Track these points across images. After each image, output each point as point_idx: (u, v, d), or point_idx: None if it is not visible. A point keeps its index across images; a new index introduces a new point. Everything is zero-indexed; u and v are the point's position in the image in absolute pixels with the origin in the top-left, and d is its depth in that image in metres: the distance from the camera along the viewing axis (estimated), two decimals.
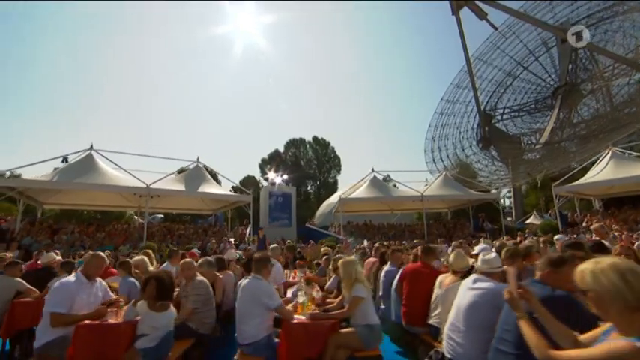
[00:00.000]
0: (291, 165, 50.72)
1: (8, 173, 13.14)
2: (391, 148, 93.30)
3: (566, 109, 30.20)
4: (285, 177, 24.41)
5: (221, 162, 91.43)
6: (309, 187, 51.53)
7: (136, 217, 29.98)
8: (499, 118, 34.02)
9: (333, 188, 46.79)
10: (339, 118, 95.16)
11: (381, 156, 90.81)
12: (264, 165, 52.70)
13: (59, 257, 5.80)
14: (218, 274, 4.40)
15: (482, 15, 21.14)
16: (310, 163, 50.65)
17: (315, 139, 51.58)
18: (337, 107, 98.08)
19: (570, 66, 30.84)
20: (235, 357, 3.05)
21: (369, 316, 3.14)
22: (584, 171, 20.03)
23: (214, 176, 36.17)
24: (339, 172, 49.95)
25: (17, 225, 13.90)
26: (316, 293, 3.90)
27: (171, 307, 3.10)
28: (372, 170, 21.94)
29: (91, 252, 3.93)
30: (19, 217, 14.41)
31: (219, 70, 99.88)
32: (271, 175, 24.41)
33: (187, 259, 4.06)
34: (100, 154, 14.76)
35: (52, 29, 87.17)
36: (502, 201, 40.17)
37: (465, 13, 21.14)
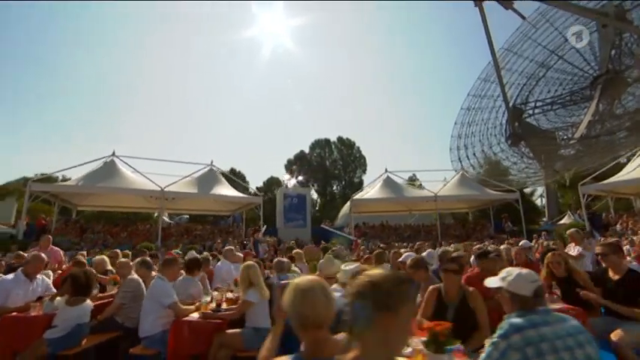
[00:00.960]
0: (317, 165, 51.21)
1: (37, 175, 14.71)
2: (416, 148, 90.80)
3: (606, 100, 27.67)
4: (301, 178, 24.70)
5: (248, 163, 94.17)
6: (334, 187, 51.68)
7: (165, 218, 32.07)
8: (530, 112, 31.96)
9: (358, 188, 46.46)
10: (365, 118, 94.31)
11: (406, 155, 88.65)
12: (289, 166, 53.54)
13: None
14: (157, 274, 4.76)
15: (507, 4, 20.18)
16: (335, 163, 50.80)
17: (340, 139, 51.64)
18: (363, 108, 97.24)
19: (613, 52, 28.22)
20: (132, 349, 3.38)
21: (258, 319, 3.32)
22: (621, 167, 18.37)
23: (240, 176, 37.54)
24: (364, 171, 49.62)
25: (53, 225, 15.60)
26: (231, 294, 4.11)
27: (87, 301, 3.49)
28: (386, 170, 21.70)
29: (32, 253, 4.48)
30: (55, 218, 16.12)
31: (247, 72, 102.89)
32: (286, 176, 24.83)
33: (123, 260, 4.46)
34: (121, 159, 16.09)
35: (73, 29, 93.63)
36: (539, 200, 37.77)
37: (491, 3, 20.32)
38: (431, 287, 2.76)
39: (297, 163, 53.25)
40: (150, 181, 15.62)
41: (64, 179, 23.43)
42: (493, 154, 32.10)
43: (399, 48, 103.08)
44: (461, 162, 32.81)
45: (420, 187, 26.06)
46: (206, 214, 28.39)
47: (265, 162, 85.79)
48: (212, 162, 18.71)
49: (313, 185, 52.16)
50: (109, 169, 15.55)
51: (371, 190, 21.69)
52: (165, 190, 15.47)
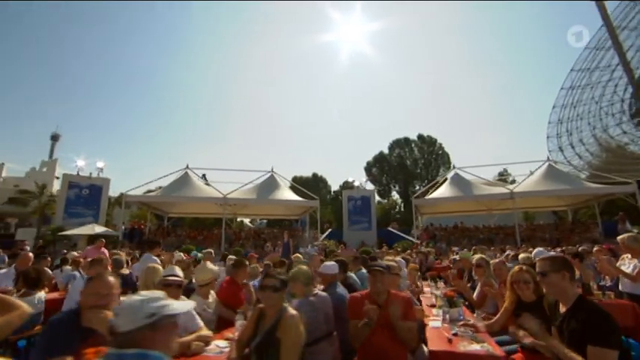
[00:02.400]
0: (397, 166, 49.26)
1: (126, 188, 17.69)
2: (506, 139, 79.42)
3: None
4: (365, 179, 24.07)
5: (330, 167, 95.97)
6: (417, 187, 48.83)
7: (247, 222, 35.09)
8: None
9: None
10: (446, 119, 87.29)
11: (495, 149, 78.25)
12: (369, 168, 52.82)
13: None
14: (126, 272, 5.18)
15: None
16: (417, 163, 48.05)
17: (420, 136, 48.70)
18: (444, 108, 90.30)
19: None
20: None
21: None
22: None
23: (322, 181, 38.37)
24: (448, 169, 45.63)
25: (147, 229, 18.66)
26: None
27: (38, 293, 4.02)
28: (453, 167, 19.54)
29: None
30: (149, 224, 19.25)
31: (325, 77, 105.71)
32: (356, 178, 24.47)
33: (97, 258, 4.98)
34: (193, 171, 18.28)
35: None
36: None
37: None
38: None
39: (376, 165, 52.24)
40: (215, 190, 17.34)
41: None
42: (609, 138, 25.86)
43: (478, 46, 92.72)
44: (562, 151, 27.40)
45: (513, 182, 22.65)
46: (282, 219, 30.03)
47: (346, 166, 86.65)
48: (272, 169, 19.71)
49: (394, 187, 50.23)
50: (183, 180, 17.82)
51: (438, 189, 19.79)
52: (228, 197, 16.95)
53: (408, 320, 2.40)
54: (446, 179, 20.13)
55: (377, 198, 51.50)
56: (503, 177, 32.76)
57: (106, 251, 8.22)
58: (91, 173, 17.30)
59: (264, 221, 32.22)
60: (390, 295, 2.52)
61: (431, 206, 20.97)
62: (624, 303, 3.93)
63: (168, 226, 20.45)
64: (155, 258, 4.43)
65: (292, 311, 2.06)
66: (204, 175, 25.09)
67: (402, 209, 46.30)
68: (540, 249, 4.90)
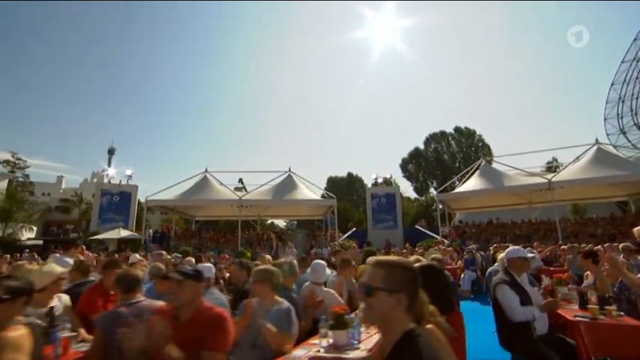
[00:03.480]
0: (433, 161, 46.76)
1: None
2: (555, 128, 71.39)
3: None
4: (389, 176, 22.89)
5: (364, 166, 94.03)
6: (456, 183, 45.94)
7: (279, 224, 35.35)
8: None
9: None
10: (482, 113, 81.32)
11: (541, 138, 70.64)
12: (404, 165, 50.87)
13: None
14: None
15: None
16: (455, 157, 45.18)
17: (457, 129, 45.78)
18: (482, 101, 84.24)
19: None
20: None
21: None
22: None
23: (358, 180, 37.71)
24: (490, 162, 42.26)
25: (173, 233, 19.46)
26: None
27: None
28: (481, 157, 17.76)
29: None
30: (174, 227, 20.07)
31: (358, 73, 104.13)
32: (392, 175, 23.42)
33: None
34: (212, 175, 18.67)
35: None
36: None
37: None
38: None
39: (412, 162, 50.06)
40: (231, 192, 17.54)
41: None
42: None
43: (515, 42, 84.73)
44: (625, 134, 23.72)
45: (556, 169, 20.06)
46: (309, 219, 29.81)
47: (381, 164, 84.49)
48: (290, 168, 19.47)
49: (432, 183, 47.68)
50: (202, 183, 18.29)
51: (467, 182, 18.10)
52: (243, 199, 17.04)
53: (207, 348, 1.84)
54: (475, 171, 18.37)
55: (414, 195, 49.41)
56: (551, 166, 29.34)
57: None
58: (120, 181, 18.49)
59: (295, 222, 32.22)
60: (200, 310, 1.96)
61: (461, 201, 19.30)
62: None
63: (194, 229, 21.15)
64: (67, 260, 4.25)
65: None
66: (240, 180, 25.67)
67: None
68: (515, 247, 3.71)
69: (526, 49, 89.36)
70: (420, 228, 21.26)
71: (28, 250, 14.89)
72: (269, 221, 34.71)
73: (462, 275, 8.29)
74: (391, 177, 22.86)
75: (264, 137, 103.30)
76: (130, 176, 19.07)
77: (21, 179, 25.54)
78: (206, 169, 18.71)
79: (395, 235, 20.12)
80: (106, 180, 18.94)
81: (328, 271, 4.07)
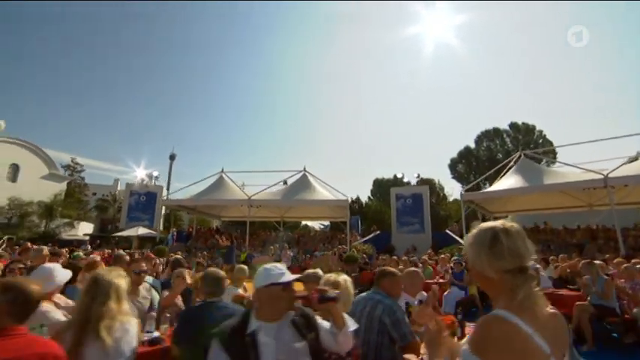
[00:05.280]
0: (485, 160, 42.41)
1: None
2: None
3: None
4: (417, 175, 20.88)
5: (410, 166, 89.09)
6: None
7: (315, 226, 34.75)
8: None
9: None
10: (547, 105, 71.39)
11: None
12: (453, 165, 47.21)
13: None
14: None
15: None
16: (510, 155, 40.36)
17: (513, 125, 40.97)
18: (541, 95, 74.14)
19: None
20: None
21: None
22: None
23: (403, 184, 36.03)
24: (554, 159, 36.95)
25: (193, 232, 20.05)
26: None
27: None
28: (520, 150, 15.18)
29: None
30: (195, 226, 20.67)
31: (408, 71, 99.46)
32: (441, 177, 21.53)
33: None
34: (227, 175, 18.80)
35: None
36: None
37: None
38: None
39: (461, 161, 46.16)
40: (242, 191, 17.43)
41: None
42: None
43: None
44: None
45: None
46: (334, 221, 28.75)
47: (429, 163, 79.50)
48: (305, 168, 18.79)
49: (484, 184, 43.22)
50: (218, 183, 18.49)
51: (502, 180, 15.56)
52: (252, 198, 16.79)
53: None
54: (510, 167, 15.79)
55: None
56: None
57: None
58: (143, 180, 19.61)
59: (327, 224, 31.38)
60: None
61: (500, 203, 16.75)
62: None
63: (212, 230, 21.58)
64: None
65: None
66: (285, 181, 25.74)
67: None
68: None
69: (594, 43, 77.17)
70: (451, 233, 18.99)
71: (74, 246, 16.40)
72: (303, 223, 34.43)
73: (445, 293, 6.73)
74: (418, 176, 20.82)
75: (314, 137, 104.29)
76: (156, 177, 20.17)
77: (78, 181, 29.24)
78: (222, 170, 18.92)
79: (421, 240, 18.24)
80: (135, 181, 20.30)
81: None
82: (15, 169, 24.74)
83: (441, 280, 7.00)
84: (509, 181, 15.00)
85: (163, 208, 18.06)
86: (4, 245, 13.73)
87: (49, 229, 19.49)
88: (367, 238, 19.46)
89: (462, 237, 18.01)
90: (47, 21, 75.18)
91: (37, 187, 23.92)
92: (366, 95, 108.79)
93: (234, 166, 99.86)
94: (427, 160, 76.40)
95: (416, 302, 2.77)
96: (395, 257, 10.14)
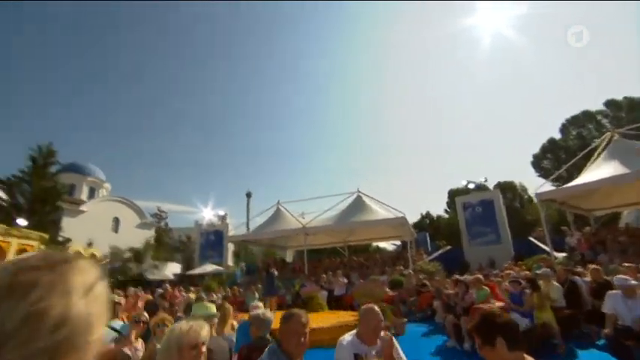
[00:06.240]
0: (577, 149, 36.52)
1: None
2: None
3: None
4: (483, 179, 18.67)
5: (486, 170, 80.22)
6: None
7: (388, 246, 33.19)
8: None
9: None
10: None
11: None
12: (537, 161, 41.81)
13: None
14: None
15: None
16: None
17: (610, 102, 34.79)
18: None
19: None
20: None
21: None
22: None
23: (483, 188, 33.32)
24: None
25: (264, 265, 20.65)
26: None
27: None
28: (612, 130, 12.56)
29: None
30: (263, 260, 21.29)
31: (465, 65, 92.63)
32: (521, 177, 19.42)
33: None
34: (283, 206, 19.21)
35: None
36: None
37: None
38: None
39: (546, 156, 40.53)
40: (297, 220, 17.57)
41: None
42: None
43: None
44: None
45: None
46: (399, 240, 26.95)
47: (507, 165, 71.05)
48: (358, 189, 18.27)
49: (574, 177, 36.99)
50: (275, 215, 18.98)
51: (591, 168, 12.93)
52: (307, 226, 16.77)
53: None
54: (599, 153, 13.10)
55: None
56: None
57: None
58: (211, 220, 21.13)
59: (399, 244, 29.77)
60: None
61: (597, 198, 13.94)
62: None
63: (282, 260, 21.94)
64: None
65: None
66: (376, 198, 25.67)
67: None
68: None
69: None
70: (535, 240, 16.29)
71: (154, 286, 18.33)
72: (375, 244, 33.15)
73: None
74: (485, 180, 18.61)
75: (377, 153, 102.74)
76: (222, 216, 21.61)
77: (163, 227, 33.27)
78: (278, 202, 19.44)
79: (499, 251, 15.95)
80: (204, 221, 22.07)
81: None
82: (116, 222, 29.32)
83: (497, 304, 5.76)
84: (601, 169, 12.37)
85: (231, 244, 19.10)
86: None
87: (139, 271, 22.11)
88: (435, 255, 17.77)
89: (546, 244, 15.35)
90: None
91: (133, 235, 27.62)
92: (426, 103, 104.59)
93: (297, 195, 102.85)
94: (505, 161, 69.00)
95: (373, 353, 2.16)
96: (454, 276, 8.84)
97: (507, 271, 8.08)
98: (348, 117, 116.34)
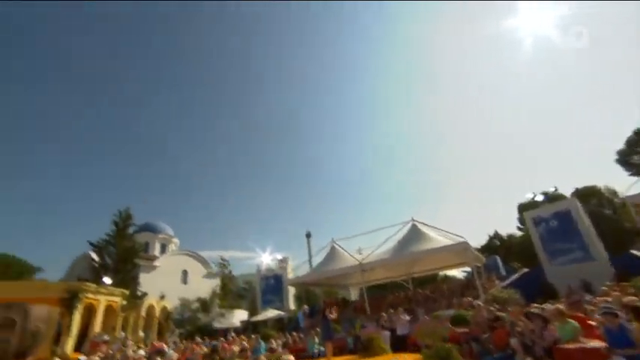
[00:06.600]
0: None
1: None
2: None
3: None
4: (552, 189, 16.65)
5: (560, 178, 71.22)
6: None
7: (452, 274, 30.50)
8: None
9: None
10: None
11: None
12: (624, 158, 36.70)
13: None
14: None
15: None
16: None
17: None
18: None
19: None
20: None
21: None
22: None
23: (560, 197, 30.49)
24: None
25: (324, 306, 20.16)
26: None
27: None
28: None
29: None
30: (322, 300, 20.78)
31: (508, 67, 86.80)
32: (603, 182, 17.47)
33: None
34: (337, 244, 18.92)
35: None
36: None
37: None
38: None
39: (635, 150, 35.22)
40: (353, 257, 17.11)
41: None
42: None
43: None
44: None
45: None
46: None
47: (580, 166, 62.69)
48: (412, 218, 17.42)
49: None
50: (331, 254, 18.71)
51: None
52: (364, 262, 16.20)
53: None
54: None
55: None
56: None
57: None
58: (269, 264, 21.48)
59: (469, 270, 27.22)
60: None
61: None
62: None
63: (343, 299, 21.24)
64: None
65: None
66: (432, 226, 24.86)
67: None
68: None
69: None
70: (637, 253, 13.79)
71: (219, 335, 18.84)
72: (442, 272, 30.74)
73: None
74: (555, 190, 16.60)
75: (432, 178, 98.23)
76: (281, 260, 21.90)
77: (228, 274, 34.64)
78: (332, 240, 19.24)
79: (594, 270, 13.73)
80: (263, 266, 22.50)
81: None
82: (185, 274, 31.36)
83: (592, 343, 4.72)
84: None
85: (291, 287, 19.10)
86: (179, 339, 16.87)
87: (207, 320, 22.91)
88: (510, 280, 15.82)
89: None
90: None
91: (200, 285, 29.12)
92: (479, 114, 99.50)
93: (355, 230, 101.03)
94: (578, 166, 61.55)
95: None
96: (533, 304, 7.66)
97: (603, 297, 6.77)
98: (393, 144, 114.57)
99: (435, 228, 16.64)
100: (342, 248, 18.39)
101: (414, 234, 16.76)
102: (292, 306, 21.99)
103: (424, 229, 16.89)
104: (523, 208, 38.19)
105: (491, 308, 9.15)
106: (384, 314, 11.84)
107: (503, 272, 19.72)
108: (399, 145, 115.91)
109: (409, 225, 17.33)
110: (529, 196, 17.10)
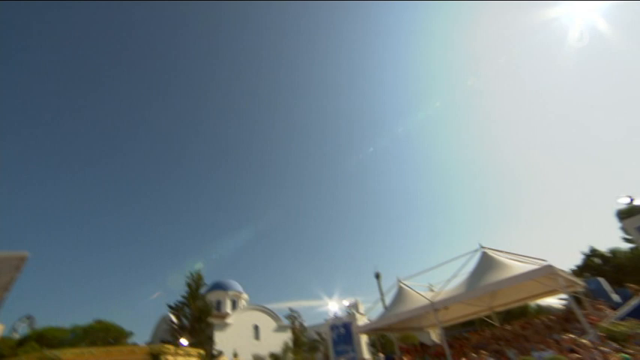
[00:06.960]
0: None
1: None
2: None
3: None
4: None
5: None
6: None
7: (547, 304, 26.15)
8: None
9: None
10: None
11: None
12: None
13: None
14: None
15: None
16: None
17: None
18: None
19: None
20: None
21: None
22: None
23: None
24: None
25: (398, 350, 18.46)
26: None
27: None
28: None
29: None
30: (397, 344, 19.07)
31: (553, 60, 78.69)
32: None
33: None
34: (404, 283, 17.70)
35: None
36: None
37: None
38: None
39: None
40: (423, 297, 15.72)
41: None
42: None
43: None
44: None
45: None
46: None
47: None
48: (480, 245, 15.82)
49: None
50: (399, 295, 17.51)
51: None
52: (435, 301, 14.79)
53: None
54: None
55: None
56: None
57: None
58: (336, 313, 20.56)
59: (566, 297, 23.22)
60: None
61: None
62: None
63: (421, 344, 19.31)
64: None
65: None
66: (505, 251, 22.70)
67: None
68: None
69: None
70: None
71: None
72: (533, 303, 26.67)
73: None
74: None
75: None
76: (348, 306, 20.97)
77: (298, 326, 33.88)
78: (398, 280, 18.09)
79: None
80: (330, 314, 21.65)
81: None
82: (256, 329, 31.42)
83: None
84: None
85: (363, 336, 17.97)
86: None
87: None
88: (628, 309, 12.90)
89: None
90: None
91: (272, 339, 28.83)
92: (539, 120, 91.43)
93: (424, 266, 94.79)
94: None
95: None
96: None
97: None
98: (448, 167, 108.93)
99: (509, 253, 14.81)
100: (410, 287, 17.12)
101: (487, 262, 15.13)
102: (366, 354, 20.47)
103: (496, 255, 15.15)
104: (623, 214, 31.09)
105: (605, 347, 7.51)
106: (473, 355, 10.37)
107: (615, 298, 16.45)
108: (459, 168, 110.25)
109: (479, 253, 15.73)
110: (622, 200, 14.53)
